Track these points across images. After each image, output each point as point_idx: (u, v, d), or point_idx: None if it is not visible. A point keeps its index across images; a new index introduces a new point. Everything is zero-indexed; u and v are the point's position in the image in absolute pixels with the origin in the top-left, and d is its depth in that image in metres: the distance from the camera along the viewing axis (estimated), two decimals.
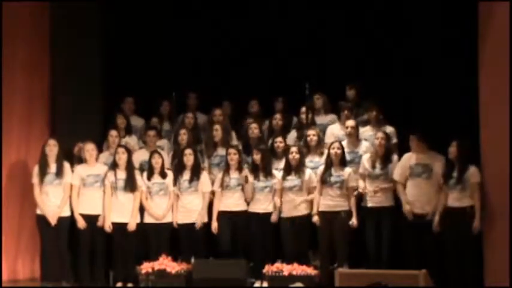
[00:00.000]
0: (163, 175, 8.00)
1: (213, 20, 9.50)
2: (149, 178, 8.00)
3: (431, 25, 8.60)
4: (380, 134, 7.77)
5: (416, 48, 8.68)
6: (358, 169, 7.82)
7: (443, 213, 7.34)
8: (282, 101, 8.88)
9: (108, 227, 7.82)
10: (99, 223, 7.87)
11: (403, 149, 7.89)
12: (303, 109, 8.47)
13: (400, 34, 8.83)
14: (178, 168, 8.05)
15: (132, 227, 7.84)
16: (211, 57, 9.54)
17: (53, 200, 7.84)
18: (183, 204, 7.97)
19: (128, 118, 8.71)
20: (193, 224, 7.90)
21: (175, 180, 7.99)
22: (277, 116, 8.57)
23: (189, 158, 7.97)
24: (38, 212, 7.86)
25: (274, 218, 7.80)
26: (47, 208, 7.79)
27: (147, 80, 9.39)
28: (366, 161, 7.78)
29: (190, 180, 7.97)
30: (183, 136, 8.34)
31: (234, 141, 8.55)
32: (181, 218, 7.95)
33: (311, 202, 7.79)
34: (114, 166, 7.96)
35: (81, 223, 7.84)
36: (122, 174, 7.95)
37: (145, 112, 9.06)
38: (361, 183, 7.74)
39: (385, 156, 7.72)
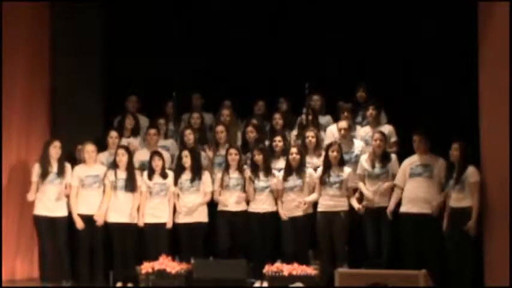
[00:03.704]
0: (164, 175, 8.00)
1: (213, 20, 9.50)
2: (150, 178, 8.01)
3: (431, 25, 8.60)
4: (377, 135, 7.76)
5: (416, 48, 8.68)
6: (355, 170, 7.81)
7: (448, 213, 7.34)
8: (285, 101, 8.87)
9: (101, 222, 7.83)
10: (98, 222, 7.85)
11: (403, 148, 7.90)
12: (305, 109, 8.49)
13: (400, 34, 8.83)
14: (178, 169, 8.06)
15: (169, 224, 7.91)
16: (212, 56, 9.52)
17: (52, 199, 7.83)
18: (184, 203, 7.97)
19: (136, 119, 8.70)
20: (193, 224, 7.90)
21: (176, 181, 8.00)
22: (277, 115, 8.56)
23: (185, 160, 7.99)
24: (35, 212, 7.86)
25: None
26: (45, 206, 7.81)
27: (147, 80, 9.40)
28: (364, 161, 7.77)
29: (192, 180, 7.97)
30: (189, 136, 8.34)
31: (239, 141, 8.54)
32: (183, 217, 7.95)
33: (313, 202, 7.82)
34: (114, 166, 7.97)
35: (79, 224, 7.84)
36: (122, 174, 7.95)
37: (146, 112, 9.05)
38: (361, 186, 7.72)
39: (383, 155, 7.72)
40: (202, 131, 8.64)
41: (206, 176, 8.04)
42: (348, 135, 8.03)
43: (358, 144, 8.07)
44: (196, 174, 7.99)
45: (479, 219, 7.17)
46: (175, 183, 8.00)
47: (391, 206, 7.56)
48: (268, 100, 8.96)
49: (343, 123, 8.05)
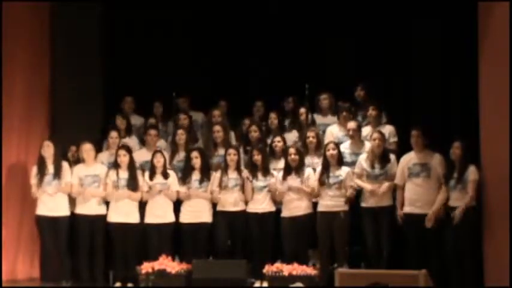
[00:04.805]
0: (165, 175, 8.00)
1: (212, 19, 9.51)
2: (151, 178, 8.00)
3: (432, 25, 8.60)
4: (376, 135, 7.74)
5: (416, 48, 8.69)
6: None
7: (443, 212, 7.34)
8: (292, 100, 8.85)
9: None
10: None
11: (403, 148, 7.90)
12: (302, 109, 8.46)
13: (400, 34, 8.83)
14: (186, 169, 8.05)
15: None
16: (210, 56, 9.53)
17: (52, 199, 7.84)
18: (191, 204, 7.97)
19: (128, 118, 8.71)
20: (198, 224, 7.90)
21: (185, 181, 7.99)
22: (272, 115, 8.55)
23: (195, 161, 7.98)
24: (37, 212, 7.87)
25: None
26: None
27: (147, 80, 9.40)
28: (363, 161, 7.76)
29: (201, 181, 7.98)
30: (181, 136, 8.33)
31: (233, 141, 8.54)
32: (188, 217, 7.95)
33: (312, 202, 7.81)
34: (116, 166, 7.97)
35: None
36: (123, 174, 7.95)
37: (144, 112, 9.06)
38: (360, 182, 7.71)
39: (382, 156, 7.71)
40: (192, 131, 8.61)
41: (213, 176, 8.04)
42: (356, 136, 7.99)
43: (367, 146, 7.98)
44: (205, 175, 7.99)
45: (468, 214, 7.17)
46: (184, 183, 8.00)
47: (399, 209, 7.55)
48: (267, 100, 8.94)
49: (351, 124, 7.99)
